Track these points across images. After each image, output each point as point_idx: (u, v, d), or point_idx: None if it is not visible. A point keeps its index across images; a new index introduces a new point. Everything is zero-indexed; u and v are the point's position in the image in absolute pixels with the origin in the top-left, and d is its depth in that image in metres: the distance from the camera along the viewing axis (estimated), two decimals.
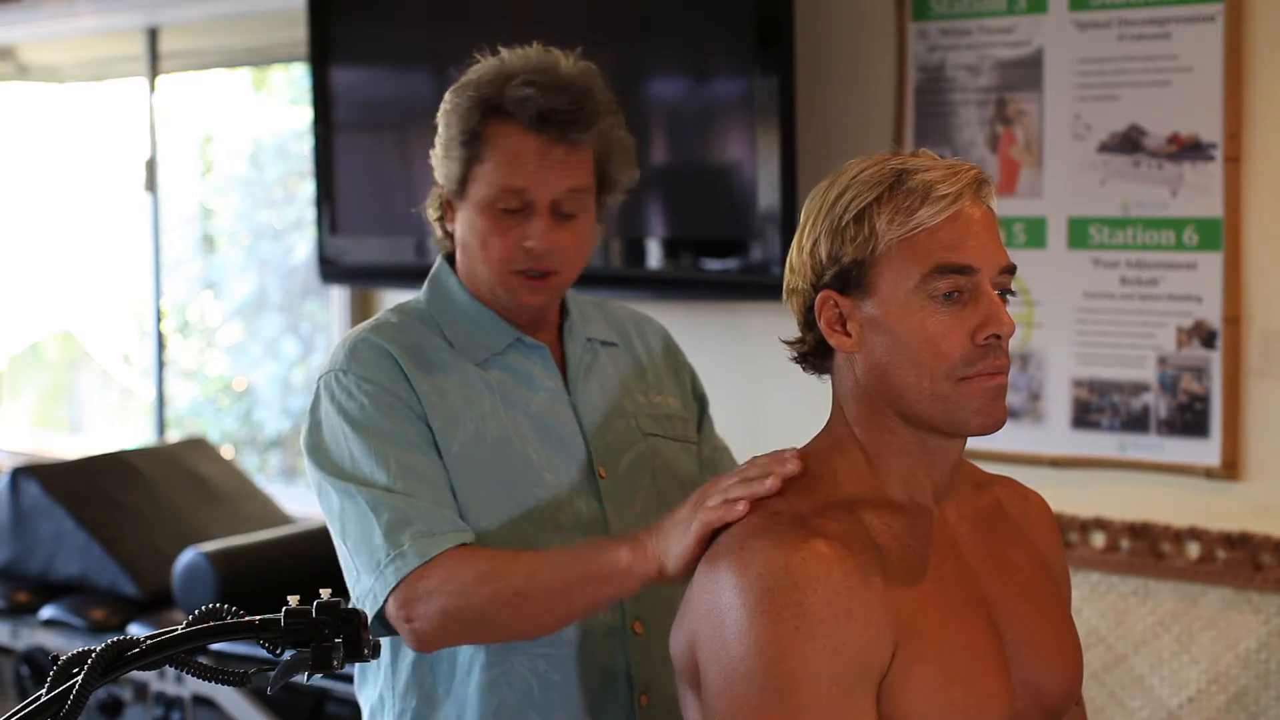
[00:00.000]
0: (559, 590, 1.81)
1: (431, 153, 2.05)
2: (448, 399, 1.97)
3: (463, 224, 2.01)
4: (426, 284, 2.08)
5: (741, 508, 1.58)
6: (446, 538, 1.86)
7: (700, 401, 2.21)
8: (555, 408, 2.02)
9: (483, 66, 2.01)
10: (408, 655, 1.98)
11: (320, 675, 1.49)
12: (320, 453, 1.96)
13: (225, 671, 1.51)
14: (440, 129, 2.02)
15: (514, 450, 1.97)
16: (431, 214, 2.08)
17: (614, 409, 2.05)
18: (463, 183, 1.99)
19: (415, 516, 1.88)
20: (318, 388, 2.00)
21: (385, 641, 1.98)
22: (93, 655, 1.44)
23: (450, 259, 2.08)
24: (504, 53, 2.01)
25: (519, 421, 1.99)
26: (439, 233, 2.08)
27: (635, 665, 1.98)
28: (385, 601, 1.86)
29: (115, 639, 1.47)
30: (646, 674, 1.98)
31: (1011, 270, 1.57)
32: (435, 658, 1.97)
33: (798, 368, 1.67)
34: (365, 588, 1.88)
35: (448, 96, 2.02)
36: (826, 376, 1.64)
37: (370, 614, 1.86)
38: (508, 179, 1.96)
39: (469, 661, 1.96)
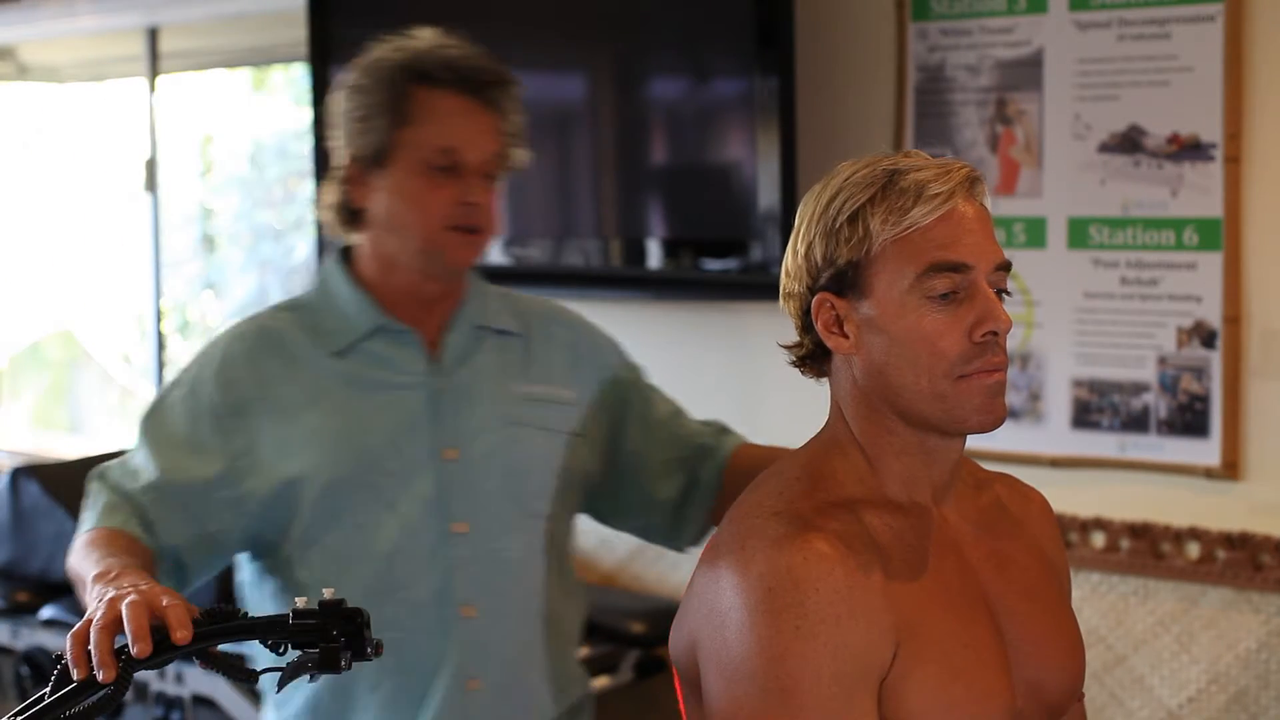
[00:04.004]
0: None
1: (330, 134, 2.05)
2: (289, 394, 2.00)
3: (386, 193, 2.01)
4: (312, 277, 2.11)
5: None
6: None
7: (620, 405, 2.17)
8: (410, 392, 2.02)
9: (387, 45, 2.04)
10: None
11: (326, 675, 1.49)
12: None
13: (235, 667, 1.52)
14: (346, 106, 2.03)
15: (352, 440, 1.99)
16: (330, 200, 2.07)
17: (483, 395, 2.05)
18: (384, 150, 1.99)
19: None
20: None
21: None
22: None
23: (346, 254, 2.10)
24: (402, 35, 2.04)
25: (365, 409, 2.00)
26: (338, 218, 2.07)
27: (462, 650, 1.98)
28: None
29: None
30: (474, 660, 1.99)
31: (1007, 267, 1.57)
32: None
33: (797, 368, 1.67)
34: None
35: (352, 75, 2.03)
36: (825, 379, 1.64)
37: None
38: (440, 138, 1.98)
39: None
